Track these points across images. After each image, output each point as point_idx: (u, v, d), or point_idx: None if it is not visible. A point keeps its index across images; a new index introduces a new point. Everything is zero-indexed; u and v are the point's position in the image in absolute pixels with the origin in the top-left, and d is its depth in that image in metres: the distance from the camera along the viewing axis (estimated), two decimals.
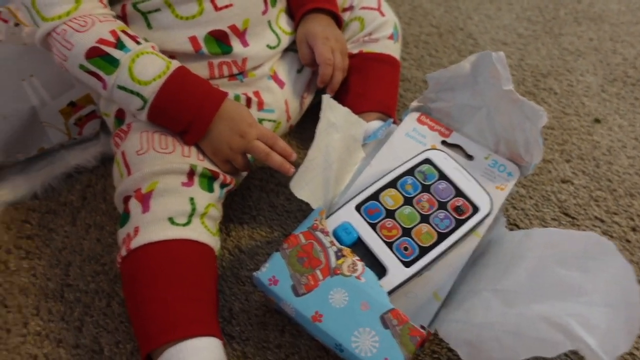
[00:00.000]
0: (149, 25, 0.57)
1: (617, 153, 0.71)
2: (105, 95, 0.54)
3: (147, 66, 0.52)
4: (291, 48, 0.68)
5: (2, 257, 0.61)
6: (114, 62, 0.52)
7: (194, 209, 0.52)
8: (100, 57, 0.52)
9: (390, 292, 0.49)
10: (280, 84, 0.65)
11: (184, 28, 0.57)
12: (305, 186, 0.60)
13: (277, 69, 0.65)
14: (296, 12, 0.66)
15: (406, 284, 0.51)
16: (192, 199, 0.52)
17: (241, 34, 0.60)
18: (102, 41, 0.52)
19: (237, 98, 0.61)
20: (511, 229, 0.58)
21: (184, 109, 0.53)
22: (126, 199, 0.53)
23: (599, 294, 0.41)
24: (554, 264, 0.44)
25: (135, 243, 0.49)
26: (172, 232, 0.50)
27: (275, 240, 0.62)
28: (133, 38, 0.53)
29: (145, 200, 0.51)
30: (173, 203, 0.51)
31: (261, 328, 0.54)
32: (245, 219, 0.64)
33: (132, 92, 0.52)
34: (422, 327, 0.47)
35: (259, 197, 0.66)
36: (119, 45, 0.52)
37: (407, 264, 0.51)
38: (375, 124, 0.63)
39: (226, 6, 0.58)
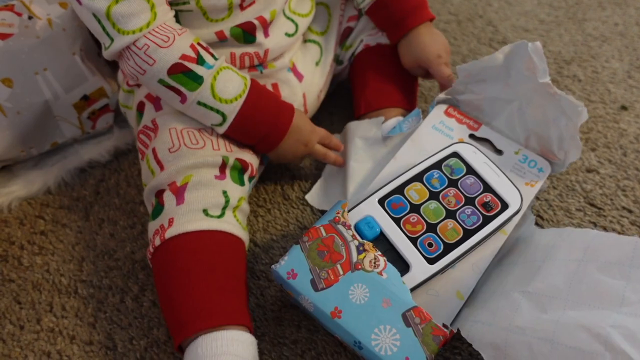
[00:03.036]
0: (177, 21, 0.56)
1: None
2: (179, 108, 0.54)
3: (227, 84, 0.53)
4: (310, 39, 0.66)
5: (15, 253, 0.60)
6: (197, 79, 0.52)
7: (227, 202, 0.52)
8: (183, 74, 0.51)
9: (412, 289, 0.48)
10: (299, 76, 0.64)
11: (212, 27, 0.57)
12: (326, 198, 0.60)
13: (296, 61, 0.64)
14: (394, 27, 0.65)
15: (429, 281, 0.49)
16: (225, 192, 0.52)
17: (267, 25, 0.59)
18: (185, 57, 0.51)
19: None
20: (535, 221, 0.56)
21: (260, 125, 0.55)
22: (159, 193, 0.53)
23: None
24: (594, 269, 0.41)
25: (170, 233, 0.49)
26: (207, 223, 0.50)
27: (291, 234, 0.61)
28: (208, 51, 0.53)
29: (180, 192, 0.51)
30: (207, 195, 0.51)
31: (277, 323, 0.53)
32: (260, 213, 0.63)
33: (212, 108, 0.53)
34: (445, 326, 0.45)
35: (274, 190, 0.65)
36: (200, 60, 0.52)
37: (431, 261, 0.49)
38: (393, 119, 0.62)
39: (250, 5, 0.57)
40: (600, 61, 0.81)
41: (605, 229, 0.60)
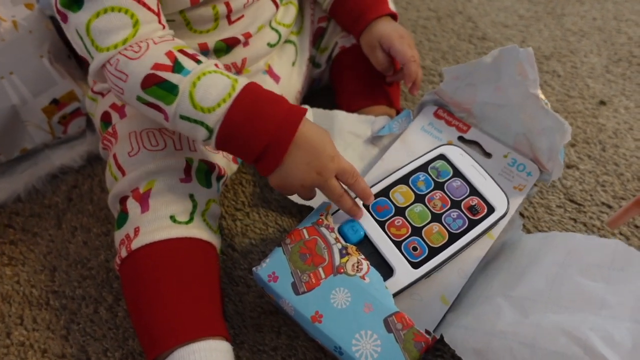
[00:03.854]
0: None
1: (624, 136, 0.68)
2: (169, 127, 0.47)
3: (209, 89, 0.44)
4: (286, 39, 0.65)
5: None
6: (173, 90, 0.44)
7: (195, 206, 0.50)
8: (157, 85, 0.44)
9: (396, 294, 0.47)
10: (276, 78, 0.62)
11: (196, 38, 0.54)
12: None
13: (272, 63, 0.62)
14: (354, 23, 0.63)
15: (413, 285, 0.48)
16: (192, 196, 0.50)
17: (250, 37, 0.57)
18: (157, 66, 0.44)
19: None
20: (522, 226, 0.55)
21: (257, 134, 0.45)
22: (123, 200, 0.51)
23: (624, 308, 0.38)
24: (575, 272, 0.41)
25: (136, 243, 0.47)
26: (174, 230, 0.48)
27: (270, 238, 0.59)
28: (192, 57, 0.46)
29: (144, 199, 0.49)
30: (173, 201, 0.49)
31: (256, 330, 0.52)
32: (238, 216, 0.61)
33: (195, 121, 0.45)
34: (428, 332, 0.45)
35: (252, 193, 0.64)
36: (177, 67, 0.45)
37: (416, 265, 0.48)
38: (383, 119, 0.60)
39: (238, 19, 0.55)
40: (579, 56, 0.81)
41: (585, 225, 0.59)
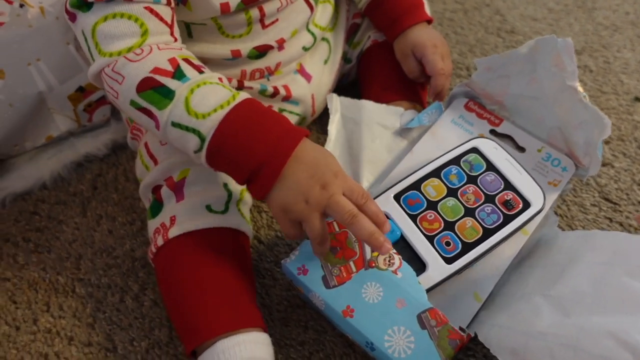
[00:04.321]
0: (189, 34, 0.52)
1: None
2: (159, 136, 0.44)
3: (207, 96, 0.41)
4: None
5: (10, 251, 0.58)
6: (168, 94, 0.42)
7: (229, 195, 0.49)
8: (154, 90, 0.42)
9: (428, 290, 0.46)
10: (307, 77, 0.61)
11: (228, 44, 0.53)
12: None
13: (304, 62, 0.61)
14: (389, 27, 0.62)
15: (446, 281, 0.47)
16: (225, 185, 0.50)
17: (285, 43, 0.56)
18: (157, 70, 0.42)
19: (263, 91, 0.57)
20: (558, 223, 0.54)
21: (252, 149, 0.41)
22: (156, 189, 0.50)
23: None
24: (622, 273, 0.39)
25: (173, 232, 0.47)
26: (211, 220, 0.47)
27: None
28: (197, 67, 0.44)
29: (178, 188, 0.48)
30: (208, 190, 0.48)
31: (283, 324, 0.51)
32: (264, 208, 0.60)
33: (187, 128, 0.41)
34: (462, 330, 0.43)
35: None
36: (177, 74, 0.42)
37: (449, 261, 0.47)
38: (411, 112, 0.59)
39: (272, 22, 0.54)
40: (612, 51, 0.78)
41: (621, 224, 0.58)
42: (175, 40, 0.46)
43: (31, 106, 0.62)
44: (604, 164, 0.64)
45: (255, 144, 0.41)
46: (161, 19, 0.44)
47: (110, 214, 0.61)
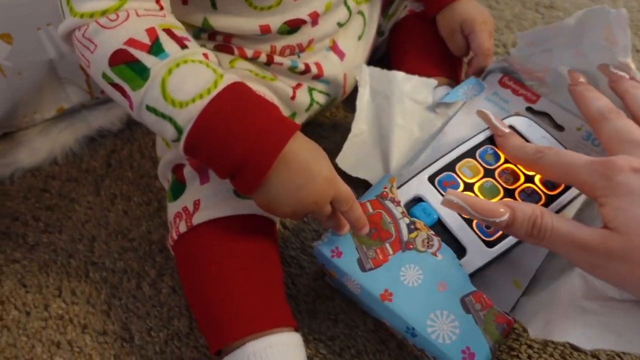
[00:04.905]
0: (214, 5, 0.46)
1: None
2: (134, 117, 0.40)
3: (187, 79, 0.37)
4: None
5: (19, 230, 0.55)
6: (143, 72, 0.37)
7: None
8: (127, 65, 0.37)
9: (470, 276, 0.43)
10: (341, 55, 0.56)
11: (256, 17, 0.47)
12: (358, 163, 0.53)
13: (337, 38, 0.56)
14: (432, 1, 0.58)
15: (486, 268, 0.44)
16: None
17: (318, 17, 0.51)
18: (132, 42, 0.37)
19: (294, 68, 0.52)
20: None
21: (234, 145, 0.37)
22: (177, 168, 0.46)
23: None
24: None
25: (198, 218, 0.43)
26: (240, 206, 0.43)
27: None
28: (179, 40, 0.38)
29: (203, 169, 0.44)
30: None
31: (311, 317, 0.48)
32: None
33: (163, 116, 0.37)
34: (507, 314, 0.41)
35: None
36: (155, 48, 0.37)
37: (490, 244, 0.44)
38: (444, 88, 0.55)
39: None
40: None
41: None
42: (161, 8, 0.41)
43: (41, 75, 0.57)
44: None
45: (237, 142, 0.37)
46: None
47: (125, 193, 0.57)
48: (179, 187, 0.45)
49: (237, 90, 0.38)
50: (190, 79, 0.37)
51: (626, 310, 0.37)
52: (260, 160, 0.37)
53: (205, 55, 0.39)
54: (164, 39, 0.38)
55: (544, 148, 0.42)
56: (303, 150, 0.39)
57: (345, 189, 0.40)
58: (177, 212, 0.44)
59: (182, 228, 0.43)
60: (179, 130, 0.37)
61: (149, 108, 0.38)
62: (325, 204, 0.40)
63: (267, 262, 0.44)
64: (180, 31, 0.40)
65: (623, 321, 0.36)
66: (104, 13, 0.38)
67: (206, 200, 0.43)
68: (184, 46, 0.38)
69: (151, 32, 0.38)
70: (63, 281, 0.51)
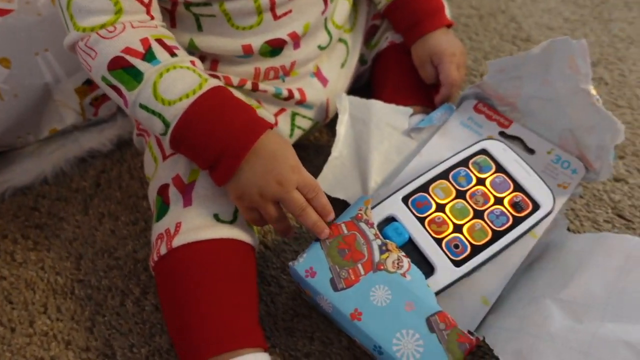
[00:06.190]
0: (199, 27, 0.51)
1: None
2: (128, 113, 0.46)
3: (175, 82, 0.43)
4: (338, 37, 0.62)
5: (8, 248, 0.57)
6: (137, 76, 0.43)
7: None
8: (124, 69, 0.43)
9: (436, 293, 0.45)
10: (324, 81, 0.59)
11: (239, 37, 0.51)
12: (338, 184, 0.56)
13: (321, 64, 0.59)
14: (409, 31, 0.61)
15: (453, 285, 0.46)
16: None
17: (299, 39, 0.54)
18: (128, 50, 0.43)
19: (277, 94, 0.55)
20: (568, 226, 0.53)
21: (214, 138, 0.43)
22: (163, 189, 0.48)
23: None
24: (637, 279, 0.38)
25: (178, 241, 0.45)
26: (218, 230, 0.45)
27: (304, 237, 0.57)
28: (169, 49, 0.45)
29: (187, 191, 0.47)
30: (217, 196, 0.47)
31: (288, 334, 0.50)
32: None
33: (153, 112, 0.43)
34: (470, 333, 0.43)
35: None
36: (148, 56, 0.43)
37: (458, 264, 0.46)
38: (421, 115, 0.58)
39: (285, 13, 0.52)
40: (628, 64, 0.77)
41: None
42: (152, 18, 0.46)
43: (36, 98, 0.60)
44: (617, 180, 0.62)
45: (216, 135, 0.43)
46: None
47: (113, 212, 0.59)
48: (163, 208, 0.47)
49: (219, 92, 0.44)
50: (178, 82, 0.43)
51: (592, 331, 0.38)
52: (236, 151, 0.43)
53: (192, 62, 0.45)
54: (156, 47, 0.44)
55: None
56: (272, 144, 0.44)
57: (309, 177, 0.45)
58: (160, 234, 0.46)
59: (163, 250, 0.45)
60: (167, 125, 0.43)
61: (141, 106, 0.44)
62: (291, 188, 0.44)
63: (241, 285, 0.45)
64: (171, 41, 0.46)
65: (589, 342, 0.38)
66: (103, 26, 0.44)
67: (187, 223, 0.45)
68: (173, 54, 0.44)
69: (145, 41, 0.44)
70: (49, 298, 0.53)
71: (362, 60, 0.66)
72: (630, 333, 0.36)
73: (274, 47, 0.53)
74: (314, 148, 0.66)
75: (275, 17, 0.52)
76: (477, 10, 0.87)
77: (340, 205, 0.55)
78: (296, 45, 0.55)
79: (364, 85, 0.69)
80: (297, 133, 0.59)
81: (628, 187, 0.62)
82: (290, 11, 0.52)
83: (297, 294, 0.52)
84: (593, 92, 0.50)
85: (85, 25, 0.44)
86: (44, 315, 0.51)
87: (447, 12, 0.63)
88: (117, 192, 0.61)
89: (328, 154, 0.57)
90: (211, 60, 0.53)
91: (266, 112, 0.55)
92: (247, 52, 0.52)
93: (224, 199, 0.47)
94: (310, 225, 0.46)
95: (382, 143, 0.56)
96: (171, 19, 0.51)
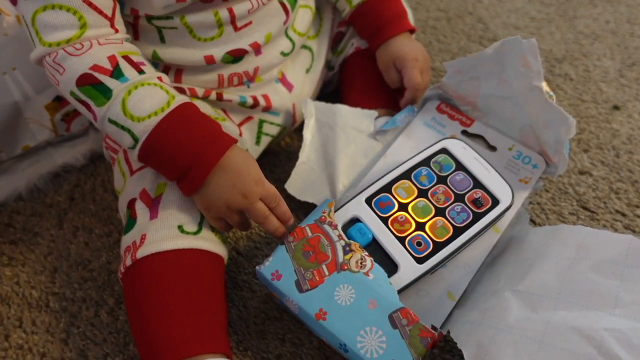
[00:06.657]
0: (162, 39, 0.52)
1: (638, 142, 0.67)
2: (97, 126, 0.47)
3: (144, 99, 0.44)
4: (302, 44, 0.63)
5: None
6: (106, 93, 0.44)
7: (204, 215, 0.48)
8: (92, 86, 0.44)
9: (400, 290, 0.46)
10: (289, 86, 0.61)
11: (200, 48, 0.53)
12: (307, 189, 0.57)
13: (285, 70, 0.61)
14: (372, 36, 0.63)
15: (418, 281, 0.48)
16: None
17: (260, 47, 0.56)
18: (96, 68, 0.44)
19: (243, 103, 0.57)
20: (530, 220, 0.54)
21: (181, 153, 0.45)
22: (131, 203, 0.49)
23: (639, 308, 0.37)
24: (587, 268, 0.40)
25: (141, 252, 0.46)
26: (181, 241, 0.46)
27: (275, 242, 0.58)
28: (136, 66, 0.46)
29: (154, 205, 0.48)
30: (183, 209, 0.48)
31: (260, 337, 0.51)
32: None
33: (122, 127, 0.45)
34: (434, 328, 0.44)
35: None
36: (116, 73, 0.45)
37: (420, 260, 0.48)
38: (385, 118, 0.59)
39: (245, 25, 0.53)
40: (592, 60, 0.79)
41: None
42: (117, 31, 0.47)
43: (7, 116, 0.61)
44: (582, 172, 0.64)
45: (184, 151, 0.45)
46: (100, 12, 0.45)
47: (87, 225, 0.60)
48: (131, 222, 0.48)
49: (186, 110, 0.46)
50: (146, 99, 0.45)
51: (546, 320, 0.40)
52: (202, 167, 0.45)
53: (159, 78, 0.47)
54: (123, 65, 0.45)
55: None
56: (236, 157, 0.46)
57: (271, 188, 0.48)
58: (127, 246, 0.47)
59: (128, 261, 0.46)
60: (136, 140, 0.45)
61: (110, 121, 0.45)
62: (255, 200, 0.47)
63: (206, 293, 0.46)
64: (137, 57, 0.47)
65: (543, 330, 0.39)
66: (68, 41, 0.44)
67: (151, 235, 0.46)
68: (141, 71, 0.46)
69: (112, 59, 0.45)
70: (24, 312, 0.53)
71: (329, 66, 0.68)
72: (578, 319, 0.37)
73: (236, 57, 0.54)
74: (284, 154, 0.67)
75: (236, 29, 0.53)
76: (445, 13, 0.89)
77: (310, 208, 0.56)
78: (258, 52, 0.56)
79: (332, 91, 0.71)
80: (265, 140, 0.61)
81: (592, 180, 0.63)
82: (250, 23, 0.54)
83: (269, 298, 0.53)
84: (546, 88, 0.51)
85: (52, 41, 0.44)
86: (19, 329, 0.52)
87: (410, 18, 0.64)
88: (91, 205, 0.62)
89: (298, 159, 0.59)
90: (175, 70, 0.54)
91: (231, 124, 0.56)
92: (209, 62, 0.53)
93: (189, 211, 0.48)
94: (273, 231, 0.48)
95: (348, 146, 0.57)
96: (134, 31, 0.52)
